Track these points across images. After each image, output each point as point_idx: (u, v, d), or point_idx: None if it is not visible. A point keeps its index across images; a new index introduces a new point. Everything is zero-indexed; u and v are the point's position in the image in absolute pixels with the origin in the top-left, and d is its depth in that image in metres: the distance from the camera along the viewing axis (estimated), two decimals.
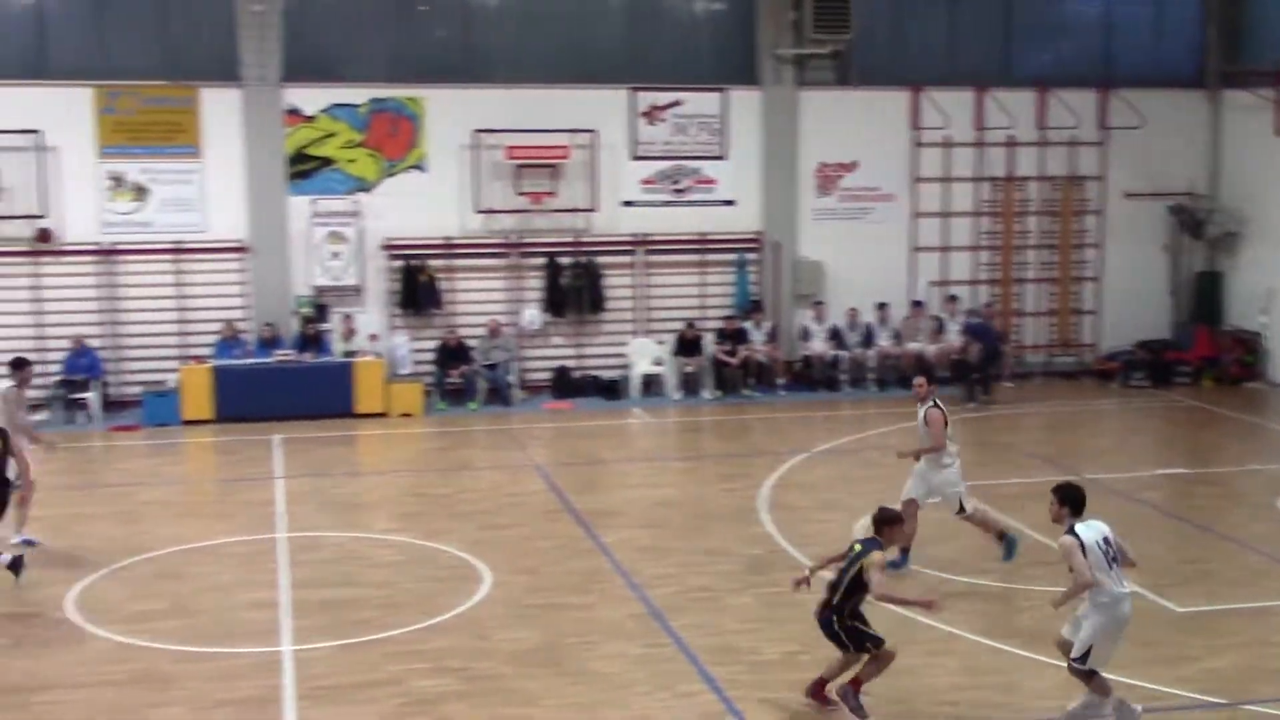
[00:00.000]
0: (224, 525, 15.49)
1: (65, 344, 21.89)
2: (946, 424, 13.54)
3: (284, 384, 21.45)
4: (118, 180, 22.45)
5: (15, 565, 13.16)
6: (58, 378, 21.73)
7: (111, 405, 22.14)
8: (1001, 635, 11.67)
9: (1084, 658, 9.49)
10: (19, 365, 15.56)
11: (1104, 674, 9.62)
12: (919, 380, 13.95)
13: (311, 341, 22.33)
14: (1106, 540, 9.54)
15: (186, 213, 22.64)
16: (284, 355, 21.98)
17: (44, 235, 22.12)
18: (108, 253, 22.47)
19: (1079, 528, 9.57)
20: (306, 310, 22.76)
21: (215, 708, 10.26)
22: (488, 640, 11.64)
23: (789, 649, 11.27)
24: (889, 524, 10.30)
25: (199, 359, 21.99)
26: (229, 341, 22.29)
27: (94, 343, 22.15)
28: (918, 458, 13.64)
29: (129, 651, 11.45)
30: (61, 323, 22.21)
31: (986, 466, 17.76)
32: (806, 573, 10.59)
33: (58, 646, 11.58)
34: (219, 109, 22.52)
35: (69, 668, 11.11)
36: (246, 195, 22.72)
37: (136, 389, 22.23)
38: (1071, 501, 9.70)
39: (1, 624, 12.15)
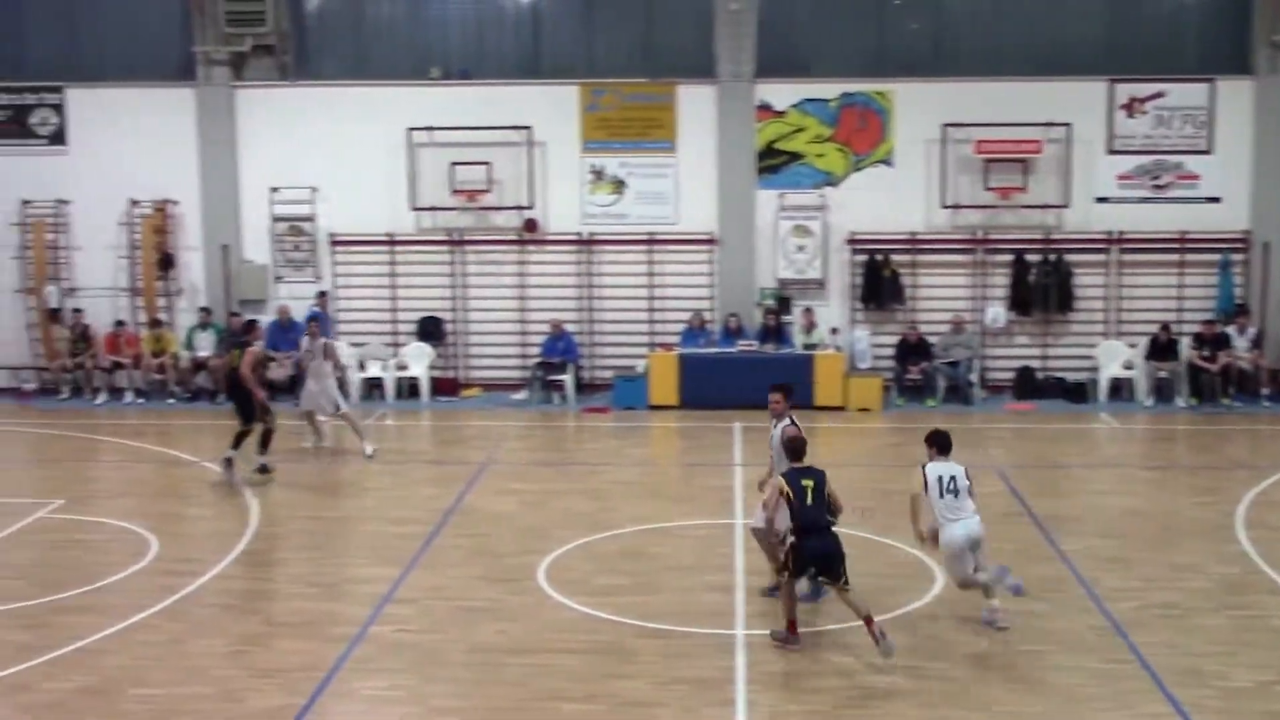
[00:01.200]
0: (684, 508, 16.02)
1: (544, 328, 23.26)
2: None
3: (746, 374, 21.88)
4: (598, 174, 23.61)
5: (228, 463, 16.93)
6: (537, 360, 23.11)
7: (584, 388, 23.34)
8: None
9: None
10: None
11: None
12: (776, 396, 12.47)
13: (773, 333, 22.72)
14: (953, 479, 11.37)
15: (660, 205, 23.55)
16: (746, 345, 22.47)
17: (530, 225, 23.56)
18: (586, 243, 23.69)
19: (929, 465, 11.46)
20: (769, 302, 23.19)
21: (672, 684, 10.59)
22: (938, 640, 11.49)
23: (1264, 677, 10.54)
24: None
25: (667, 346, 22.83)
26: (695, 330, 23.02)
27: (570, 328, 23.41)
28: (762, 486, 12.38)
29: (594, 623, 12.01)
30: (542, 308, 23.62)
31: None
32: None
33: (530, 613, 12.28)
34: (694, 105, 23.29)
35: (539, 633, 11.75)
36: (717, 189, 23.39)
37: (607, 373, 23.34)
38: (937, 443, 11.62)
39: (480, 587, 13.03)
